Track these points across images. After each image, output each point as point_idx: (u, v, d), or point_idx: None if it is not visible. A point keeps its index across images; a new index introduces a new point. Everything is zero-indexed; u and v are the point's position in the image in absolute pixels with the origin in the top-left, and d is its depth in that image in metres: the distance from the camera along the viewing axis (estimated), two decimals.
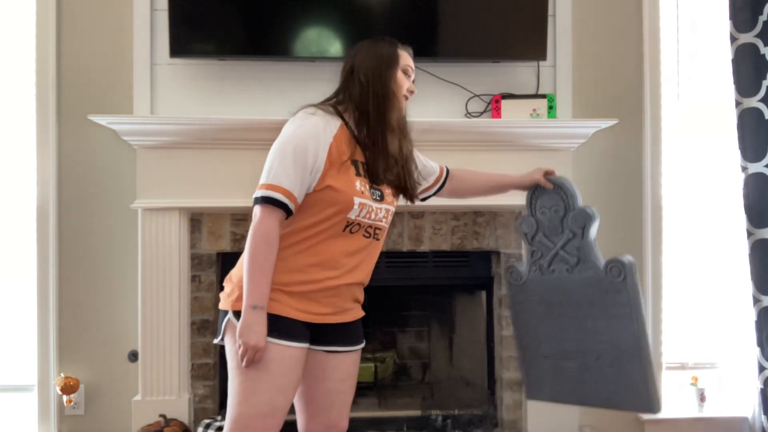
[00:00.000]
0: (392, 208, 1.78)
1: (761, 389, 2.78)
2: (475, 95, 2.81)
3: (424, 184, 1.96)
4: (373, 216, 1.70)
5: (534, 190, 1.91)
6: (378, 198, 1.71)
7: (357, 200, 1.65)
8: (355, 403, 3.03)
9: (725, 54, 2.81)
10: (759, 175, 2.73)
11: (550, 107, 2.71)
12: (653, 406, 1.73)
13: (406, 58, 1.80)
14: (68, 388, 2.66)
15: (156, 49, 2.72)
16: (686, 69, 2.97)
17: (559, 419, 2.76)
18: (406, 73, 1.79)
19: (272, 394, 1.62)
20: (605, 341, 1.76)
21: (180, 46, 2.62)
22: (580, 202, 1.85)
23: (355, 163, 1.69)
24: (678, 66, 2.96)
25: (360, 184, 1.67)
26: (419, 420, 2.85)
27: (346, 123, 1.72)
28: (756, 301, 2.75)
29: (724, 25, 2.77)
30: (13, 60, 2.76)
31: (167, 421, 2.57)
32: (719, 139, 2.93)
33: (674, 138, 2.95)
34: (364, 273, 1.76)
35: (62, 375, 2.70)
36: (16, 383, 2.79)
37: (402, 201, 1.86)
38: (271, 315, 1.61)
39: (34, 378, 2.73)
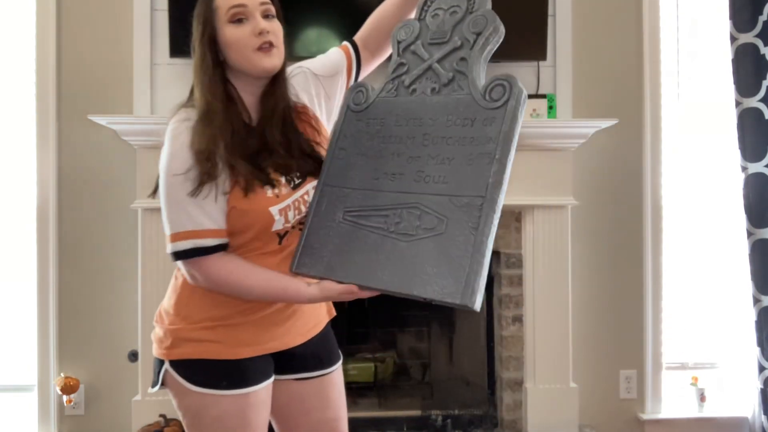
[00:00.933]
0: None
1: (761, 389, 2.79)
2: None
3: (341, 84, 1.53)
4: (303, 208, 1.36)
5: None
6: (298, 183, 1.36)
7: (275, 210, 1.31)
8: (355, 403, 3.04)
9: (725, 54, 2.81)
10: (759, 175, 2.73)
11: (550, 107, 2.71)
12: (466, 292, 1.13)
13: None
14: (68, 388, 2.66)
15: (156, 49, 2.72)
16: (686, 69, 2.97)
17: (559, 419, 2.76)
18: (236, 18, 1.32)
19: None
20: (442, 192, 1.23)
21: (180, 46, 2.62)
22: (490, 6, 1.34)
23: None
24: (678, 66, 2.96)
25: (270, 187, 1.32)
26: (419, 420, 2.85)
27: None
28: (756, 301, 2.75)
29: (724, 25, 2.77)
30: (13, 60, 2.76)
31: (167, 421, 2.57)
32: (719, 139, 2.93)
33: (674, 138, 2.95)
34: None
35: (62, 375, 2.70)
36: (16, 383, 2.79)
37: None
38: (217, 362, 1.34)
39: (34, 378, 2.73)
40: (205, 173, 1.25)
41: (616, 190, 2.92)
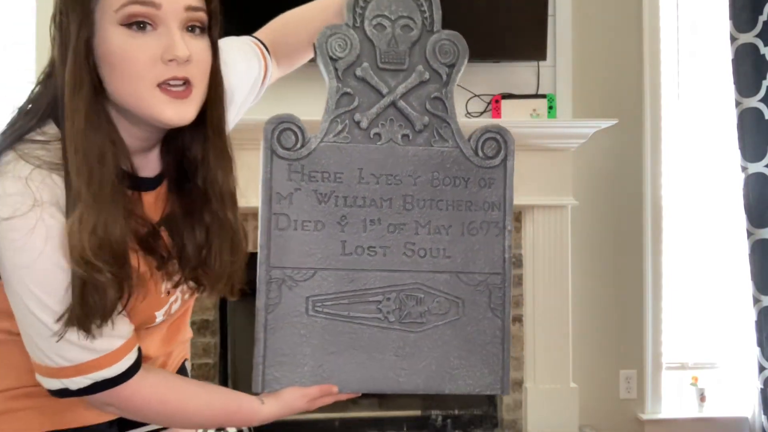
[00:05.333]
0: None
1: (761, 389, 2.79)
2: (475, 95, 2.81)
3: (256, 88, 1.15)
4: (186, 296, 1.01)
5: None
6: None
7: (160, 313, 0.97)
8: (355, 403, 3.04)
9: (725, 54, 2.81)
10: (759, 175, 2.73)
11: (550, 107, 2.71)
12: (505, 381, 1.08)
13: None
14: None
15: None
16: (686, 69, 2.97)
17: (559, 419, 2.76)
18: (133, 21, 0.80)
19: None
20: (445, 268, 1.07)
21: None
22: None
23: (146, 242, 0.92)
24: (678, 66, 2.96)
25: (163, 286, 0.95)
26: (419, 420, 2.85)
27: None
28: (756, 301, 2.75)
29: (724, 25, 2.77)
30: (13, 60, 2.76)
31: None
32: (719, 139, 2.93)
33: (674, 138, 2.95)
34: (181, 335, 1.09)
35: None
36: None
37: None
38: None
39: None
40: (93, 310, 0.81)
41: (616, 190, 2.92)
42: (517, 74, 2.84)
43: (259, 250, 1.02)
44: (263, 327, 1.02)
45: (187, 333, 1.13)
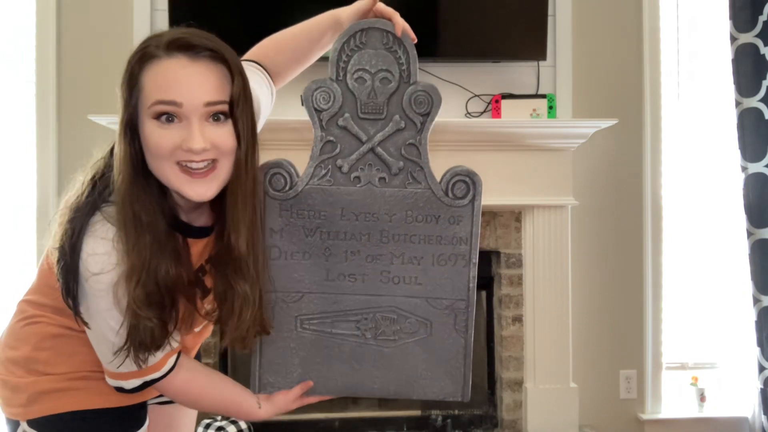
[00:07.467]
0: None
1: (761, 389, 2.79)
2: (475, 95, 2.81)
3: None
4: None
5: (351, 36, 1.17)
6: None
7: (198, 328, 1.25)
8: (355, 403, 3.04)
9: (725, 54, 2.81)
10: (759, 175, 2.73)
11: (550, 107, 2.71)
12: (465, 390, 1.22)
13: (160, 75, 0.98)
14: None
15: None
16: (686, 69, 2.97)
17: (559, 419, 2.76)
18: (159, 116, 0.98)
19: None
20: (416, 294, 1.19)
21: None
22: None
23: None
24: (678, 66, 2.96)
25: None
26: (419, 420, 2.85)
27: None
28: (756, 301, 2.75)
29: (724, 25, 2.77)
30: (13, 60, 2.76)
31: None
32: (719, 139, 2.93)
33: (674, 138, 2.95)
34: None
35: None
36: None
37: None
38: (88, 413, 1.15)
39: None
40: (143, 346, 1.04)
41: (616, 190, 2.92)
42: (517, 74, 2.84)
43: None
44: (259, 341, 1.19)
45: (211, 327, 1.32)
